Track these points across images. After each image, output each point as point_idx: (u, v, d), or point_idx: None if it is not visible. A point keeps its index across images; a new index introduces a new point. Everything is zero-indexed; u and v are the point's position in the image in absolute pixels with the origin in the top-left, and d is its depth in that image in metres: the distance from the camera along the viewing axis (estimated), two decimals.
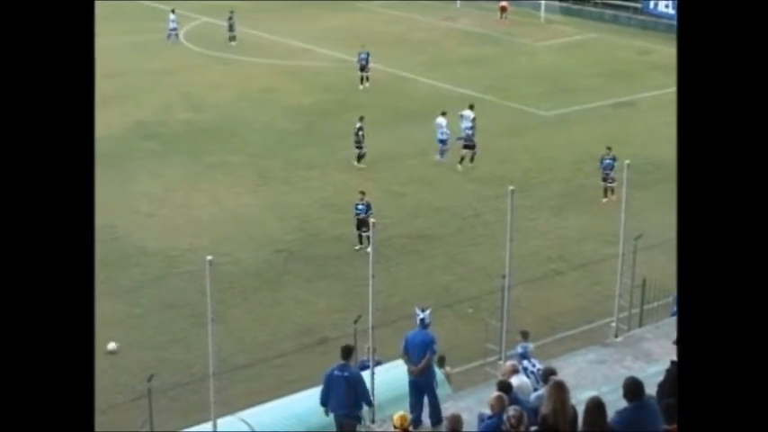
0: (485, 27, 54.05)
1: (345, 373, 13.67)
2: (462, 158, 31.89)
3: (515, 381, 12.82)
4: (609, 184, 28.63)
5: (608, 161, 29.01)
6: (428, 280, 24.13)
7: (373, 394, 14.46)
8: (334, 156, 33.14)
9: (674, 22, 52.16)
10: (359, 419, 13.76)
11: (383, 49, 45.38)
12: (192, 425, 15.37)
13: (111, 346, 20.26)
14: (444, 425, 10.93)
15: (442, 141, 32.34)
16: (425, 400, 14.42)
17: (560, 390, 9.60)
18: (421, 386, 14.37)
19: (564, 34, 52.45)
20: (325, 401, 13.90)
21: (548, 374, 11.92)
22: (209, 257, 12.89)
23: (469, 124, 32.34)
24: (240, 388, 18.46)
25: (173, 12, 49.71)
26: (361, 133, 32.01)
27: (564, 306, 22.12)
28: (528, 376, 13.66)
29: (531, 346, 15.26)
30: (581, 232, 26.65)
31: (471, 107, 33.15)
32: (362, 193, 26.15)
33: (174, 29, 49.52)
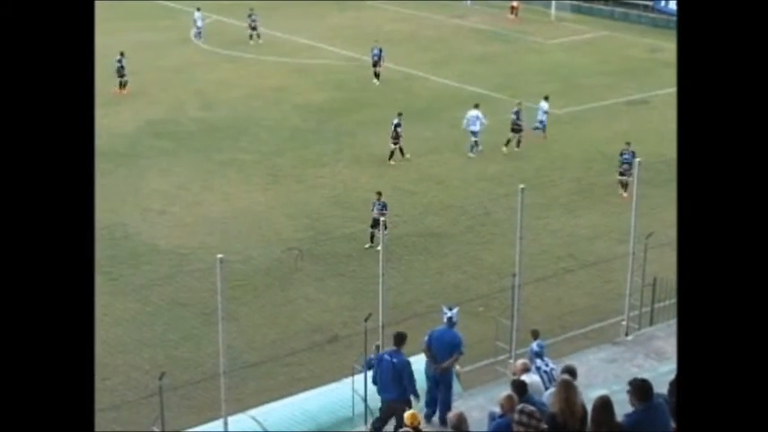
0: (495, 25, 53.97)
1: (394, 360, 13.73)
2: (509, 141, 33.06)
3: (526, 379, 12.80)
4: (627, 178, 28.55)
5: (627, 156, 29.08)
6: (439, 278, 24.13)
7: None
8: (345, 153, 33.16)
9: None
10: (408, 404, 13.59)
11: (393, 46, 45.35)
12: (203, 422, 15.40)
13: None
14: (448, 423, 10.92)
15: (474, 133, 32.83)
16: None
17: (569, 388, 9.59)
18: (440, 383, 14.32)
19: (575, 32, 52.34)
20: (375, 382, 14.06)
21: (565, 373, 11.89)
22: (220, 256, 12.91)
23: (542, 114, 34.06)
24: (251, 386, 18.50)
25: (198, 10, 49.69)
26: (399, 129, 32.28)
27: (574, 304, 22.10)
28: (540, 375, 13.63)
29: (544, 344, 15.25)
30: (592, 230, 26.61)
31: (547, 97, 34.07)
32: (379, 193, 26.13)
33: (201, 27, 49.52)
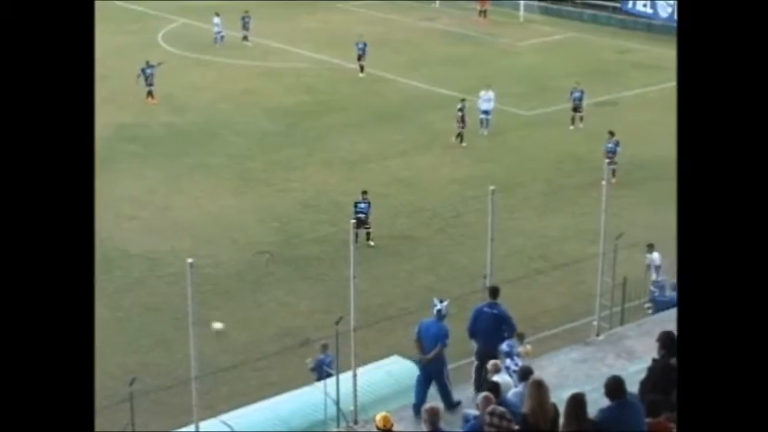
0: (464, 27, 54.09)
1: (495, 311, 14.57)
2: (573, 119, 35.70)
3: (497, 379, 12.84)
4: (613, 167, 28.96)
5: (611, 145, 30.29)
6: (410, 281, 24.15)
7: (355, 395, 14.46)
8: (315, 157, 33.13)
9: (653, 21, 52.58)
10: (499, 353, 14.58)
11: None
12: (174, 428, 15.32)
13: (218, 325, 20.31)
14: (422, 417, 10.94)
15: (486, 112, 34.78)
16: (430, 391, 14.56)
17: (539, 389, 9.61)
18: (430, 374, 14.53)
19: (544, 34, 52.56)
20: (473, 334, 14.82)
21: (525, 373, 11.95)
22: (191, 260, 12.85)
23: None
24: (223, 391, 18.43)
25: (217, 15, 49.31)
26: (461, 114, 33.63)
27: (546, 305, 22.17)
28: (510, 375, 13.68)
29: (516, 344, 15.30)
30: (563, 231, 26.73)
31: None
32: (365, 192, 26.18)
33: (220, 32, 49.19)
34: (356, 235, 25.17)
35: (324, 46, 48.39)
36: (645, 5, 53.43)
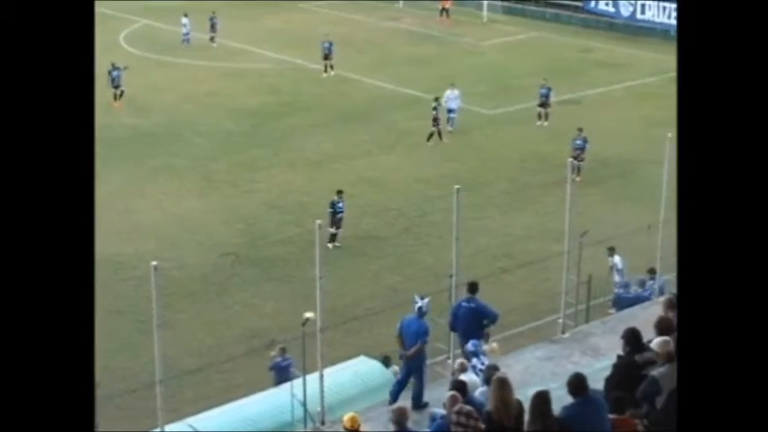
0: (428, 27, 54.19)
1: (472, 305, 15.16)
2: (540, 115, 36.15)
3: (464, 378, 12.86)
4: (579, 163, 29.62)
5: (579, 142, 30.53)
6: (376, 280, 24.14)
7: (322, 397, 14.42)
8: (280, 157, 33.04)
9: (615, 20, 52.92)
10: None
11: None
12: None
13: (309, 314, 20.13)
14: (390, 417, 10.93)
15: (451, 110, 34.86)
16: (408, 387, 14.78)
17: (503, 386, 9.63)
18: (410, 370, 14.73)
19: (507, 33, 52.77)
20: (453, 329, 15.46)
21: (491, 372, 11.97)
22: (155, 263, 12.75)
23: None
24: (188, 393, 18.31)
25: (185, 15, 48.90)
26: (435, 112, 33.83)
27: (511, 304, 22.19)
28: (477, 374, 13.71)
29: (482, 343, 15.33)
30: (527, 230, 26.83)
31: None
32: (340, 192, 26.12)
33: (188, 33, 48.78)
34: (334, 236, 25.41)
35: (287, 46, 48.27)
36: (607, 4, 53.75)
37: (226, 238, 26.56)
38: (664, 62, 45.41)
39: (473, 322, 15.13)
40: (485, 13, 56.28)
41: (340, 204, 25.88)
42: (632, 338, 10.97)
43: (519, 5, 57.93)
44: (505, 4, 58.04)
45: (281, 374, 17.71)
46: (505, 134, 35.39)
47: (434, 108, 34.13)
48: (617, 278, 21.81)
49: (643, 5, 51.96)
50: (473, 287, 15.39)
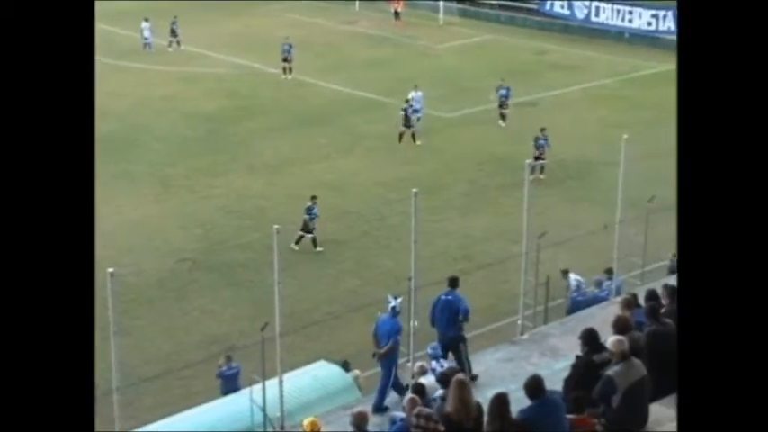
0: (385, 30, 54.26)
1: (449, 297, 15.47)
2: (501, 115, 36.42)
3: (424, 381, 12.87)
4: (543, 162, 30.36)
5: (542, 141, 30.88)
6: (336, 284, 24.09)
7: (282, 402, 14.36)
8: (238, 162, 32.88)
9: (570, 23, 53.29)
10: (463, 340, 15.37)
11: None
12: None
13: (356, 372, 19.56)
14: (350, 421, 10.91)
15: (416, 111, 34.73)
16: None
17: (462, 387, 9.65)
18: (383, 368, 15.12)
19: (463, 36, 52.96)
20: (433, 322, 15.59)
21: (451, 375, 11.99)
22: (111, 270, 12.62)
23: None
24: (146, 401, 18.14)
25: (146, 20, 48.35)
26: (403, 113, 34.15)
27: (471, 306, 22.24)
28: (436, 377, 13.71)
29: (440, 347, 15.34)
30: (486, 232, 26.92)
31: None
32: (314, 197, 26.02)
33: (148, 37, 48.25)
34: (308, 241, 25.33)
35: (245, 50, 48.07)
36: (562, 7, 54.07)
37: (183, 244, 26.39)
38: (618, 64, 45.92)
39: (451, 316, 15.38)
40: (440, 15, 56.45)
41: (315, 210, 25.81)
42: (590, 339, 11.04)
43: (474, 8, 58.19)
44: (461, 6, 58.29)
45: (228, 383, 17.63)
46: (463, 136, 35.48)
47: (404, 109, 34.21)
48: (575, 295, 21.38)
49: (597, 8, 52.31)
50: (453, 281, 15.71)
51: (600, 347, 10.92)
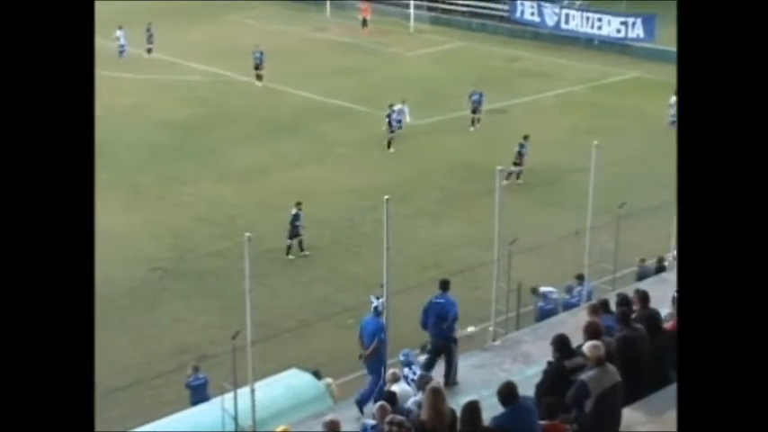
0: (356, 37, 54.32)
1: (441, 300, 15.49)
2: (473, 121, 37.06)
3: (396, 388, 12.86)
4: (521, 168, 31.07)
5: (522, 148, 31.29)
6: (307, 292, 24.05)
7: (253, 410, 14.30)
8: (208, 170, 32.77)
9: (540, 30, 53.61)
10: (454, 341, 15.43)
11: (253, 62, 45.09)
12: None
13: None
14: (322, 430, 10.89)
15: (398, 121, 35.04)
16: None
17: (436, 395, 9.66)
18: (369, 369, 15.26)
19: (434, 43, 53.11)
20: (424, 326, 15.66)
21: (424, 381, 12.01)
22: None
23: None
24: (116, 412, 17.97)
25: (120, 28, 48.03)
26: (388, 119, 34.22)
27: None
28: (408, 384, 13.72)
29: (412, 353, 15.36)
30: (457, 239, 26.96)
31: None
32: (299, 203, 26.02)
33: (123, 45, 48.06)
34: (295, 246, 25.31)
35: (215, 58, 47.96)
36: (532, 14, 54.38)
37: (154, 253, 26.25)
38: (588, 71, 46.23)
39: (442, 318, 15.45)
40: (411, 23, 56.59)
41: (301, 216, 25.85)
42: (561, 344, 11.07)
43: (445, 16, 58.40)
44: (432, 14, 58.49)
45: (196, 394, 17.55)
46: (434, 144, 35.54)
47: (388, 115, 34.29)
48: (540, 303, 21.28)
49: (567, 15, 52.71)
50: (444, 284, 15.74)
51: (571, 353, 10.96)
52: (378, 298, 15.30)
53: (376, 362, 15.16)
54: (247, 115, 39.23)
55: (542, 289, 20.46)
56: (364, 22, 56.53)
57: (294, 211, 25.95)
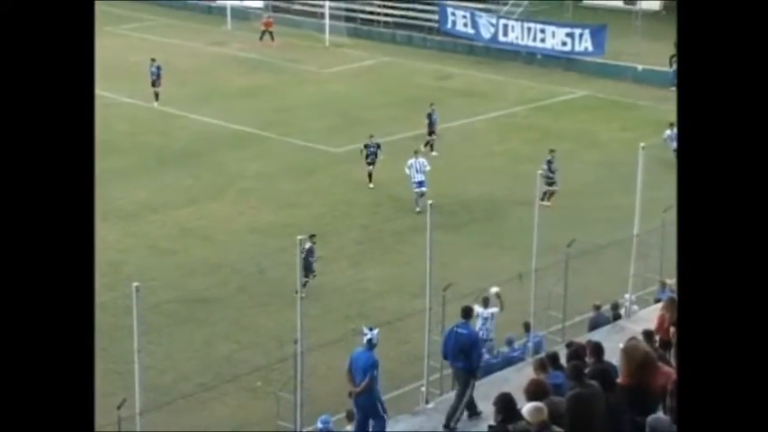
0: (261, 53, 54.39)
1: (466, 331, 16.11)
2: (431, 144, 37.11)
3: None
4: (553, 189, 31.66)
5: (551, 164, 31.92)
6: (207, 351, 23.82)
7: None
8: None
9: (475, 43, 54.13)
10: (474, 375, 16.02)
11: (140, 81, 44.84)
12: None
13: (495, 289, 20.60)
14: None
15: (421, 184, 31.75)
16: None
17: None
18: (362, 407, 15.44)
19: (353, 59, 53.46)
20: (446, 356, 16.40)
21: None
22: None
23: None
24: None
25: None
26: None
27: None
28: None
29: (332, 420, 15.34)
30: (383, 284, 27.01)
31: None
32: (313, 235, 25.61)
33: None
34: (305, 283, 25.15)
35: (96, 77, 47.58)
36: (466, 25, 54.57)
37: None
38: (529, 89, 46.92)
39: (462, 348, 15.90)
40: (327, 36, 56.86)
41: (315, 250, 25.81)
42: (504, 405, 11.14)
43: (365, 27, 58.75)
44: (350, 25, 58.78)
45: None
46: (354, 175, 35.58)
47: (366, 146, 34.13)
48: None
49: (506, 26, 53.00)
50: (467, 312, 16.44)
51: (516, 415, 11.03)
52: (371, 329, 15.56)
53: (368, 399, 15.37)
54: (134, 144, 38.95)
55: (479, 310, 20.63)
56: (270, 35, 56.41)
57: (308, 245, 25.33)
